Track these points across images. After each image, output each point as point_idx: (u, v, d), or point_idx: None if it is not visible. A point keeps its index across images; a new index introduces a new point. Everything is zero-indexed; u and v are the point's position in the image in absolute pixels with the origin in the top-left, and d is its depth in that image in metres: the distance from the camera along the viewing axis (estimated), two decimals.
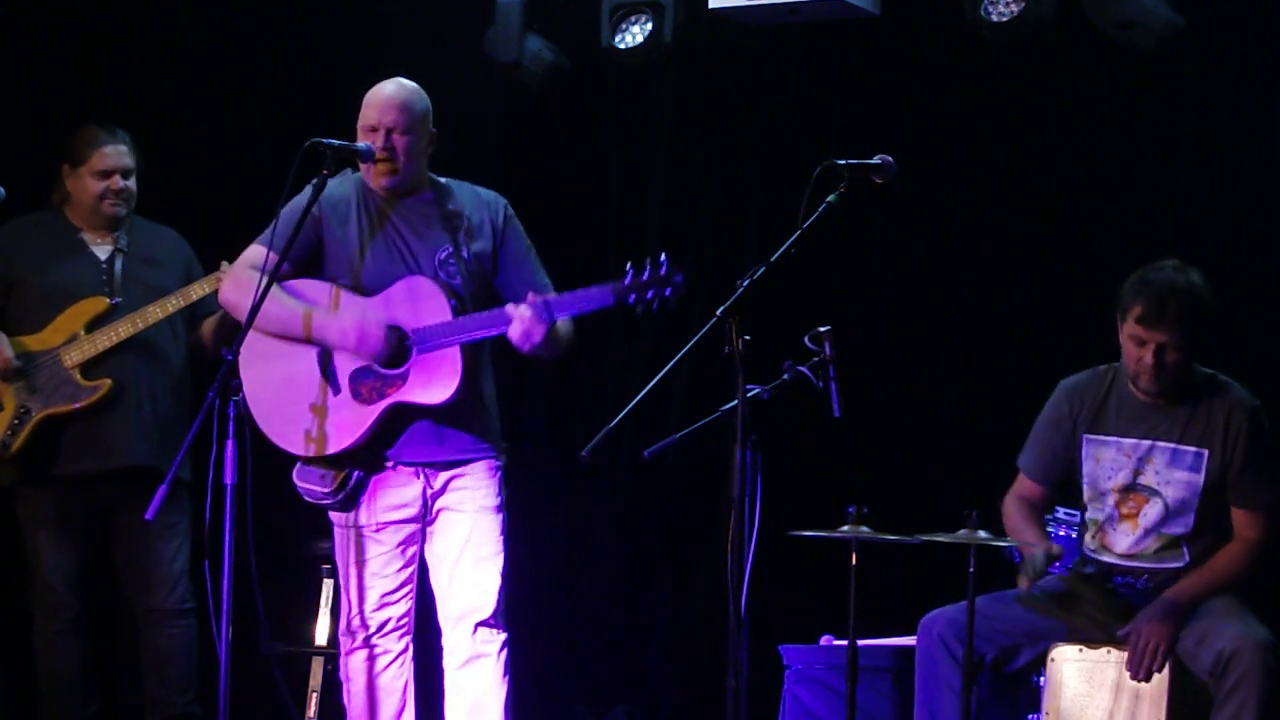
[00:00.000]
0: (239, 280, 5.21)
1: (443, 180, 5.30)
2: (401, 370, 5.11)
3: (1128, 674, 4.97)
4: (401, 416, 5.15)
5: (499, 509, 5.25)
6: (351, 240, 5.21)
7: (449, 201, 5.23)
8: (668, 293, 4.92)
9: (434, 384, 5.08)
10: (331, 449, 5.14)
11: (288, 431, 5.16)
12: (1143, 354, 5.05)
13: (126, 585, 6.09)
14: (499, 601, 5.22)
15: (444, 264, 5.16)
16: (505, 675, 5.24)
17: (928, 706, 5.13)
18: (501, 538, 5.25)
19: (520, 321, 4.99)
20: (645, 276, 4.93)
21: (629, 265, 4.96)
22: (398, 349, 5.11)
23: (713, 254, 6.79)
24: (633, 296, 4.94)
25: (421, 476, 5.21)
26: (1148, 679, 4.95)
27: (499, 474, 5.27)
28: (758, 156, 6.78)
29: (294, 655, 6.40)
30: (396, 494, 5.23)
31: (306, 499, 5.22)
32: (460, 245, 5.17)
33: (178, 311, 5.96)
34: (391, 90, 5.20)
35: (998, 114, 6.45)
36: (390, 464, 5.21)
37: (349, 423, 5.13)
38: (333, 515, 5.28)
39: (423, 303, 5.09)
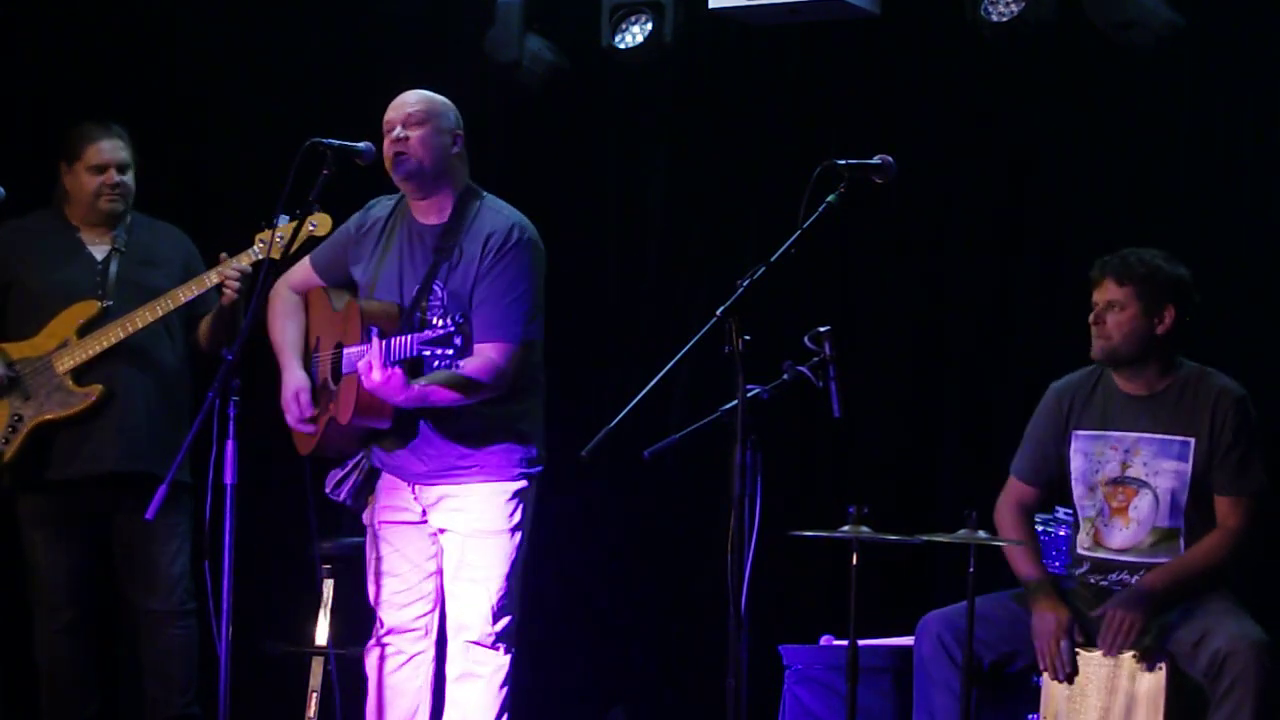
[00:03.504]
0: (274, 299, 5.39)
1: (480, 200, 5.21)
2: (335, 389, 5.19)
3: (1110, 662, 4.99)
4: (359, 433, 5.21)
5: (505, 533, 5.18)
6: (366, 259, 5.25)
7: (459, 228, 5.15)
8: (449, 351, 4.82)
9: (341, 404, 5.14)
10: (302, 451, 5.32)
11: (296, 431, 5.34)
12: (1091, 318, 5.10)
13: (126, 587, 6.08)
14: (493, 624, 5.16)
15: (417, 295, 5.13)
16: (499, 698, 5.17)
17: (926, 708, 5.13)
18: (502, 561, 5.17)
19: (361, 362, 4.95)
20: (431, 334, 4.84)
21: (432, 319, 4.90)
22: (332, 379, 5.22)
23: (713, 254, 6.79)
24: (420, 350, 4.86)
25: (407, 487, 5.23)
26: (1117, 653, 4.96)
27: (512, 497, 5.19)
28: (758, 156, 6.78)
29: (294, 655, 6.40)
30: (395, 497, 5.26)
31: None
32: (435, 279, 5.12)
33: (174, 313, 5.93)
34: (409, 93, 5.22)
35: (998, 114, 6.45)
36: (382, 471, 5.27)
37: (311, 428, 5.28)
38: (364, 516, 5.36)
39: (350, 325, 5.15)
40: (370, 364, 4.89)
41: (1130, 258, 5.13)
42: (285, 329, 5.34)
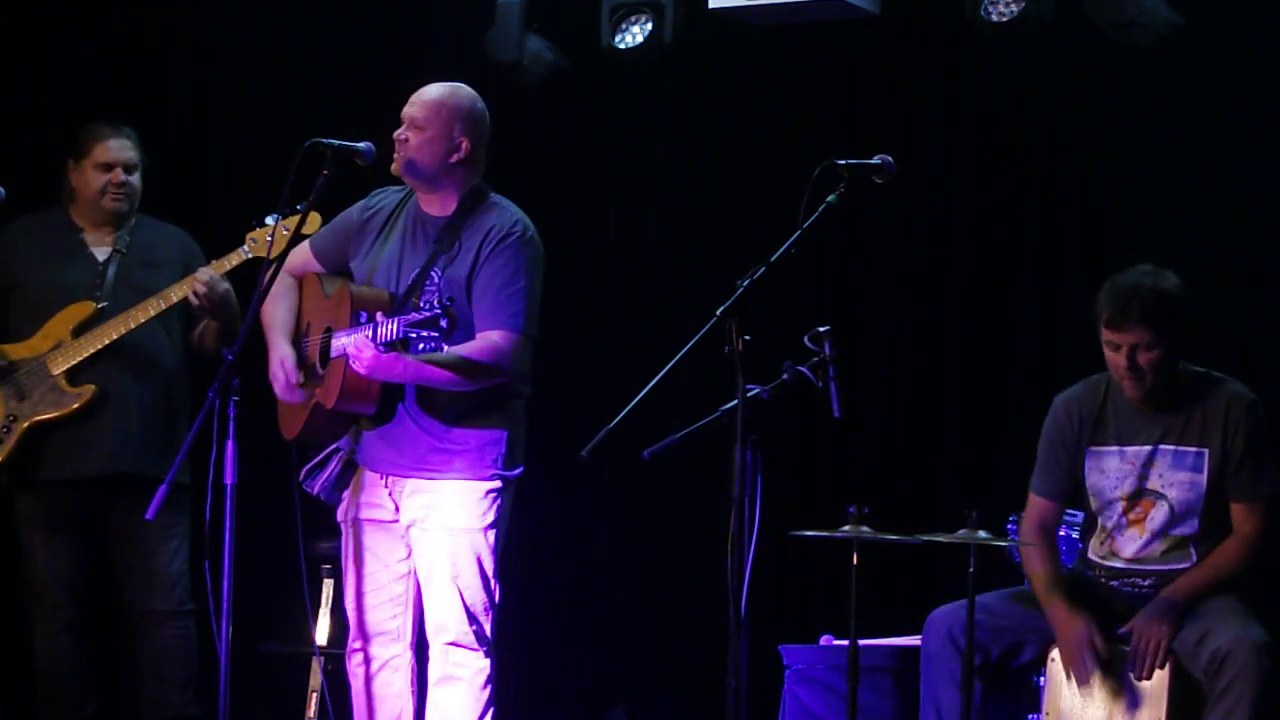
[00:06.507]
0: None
1: (487, 198, 5.21)
2: (322, 374, 5.15)
3: (1130, 674, 4.97)
4: (343, 418, 5.18)
5: (479, 530, 5.11)
6: (366, 248, 5.23)
7: (463, 223, 5.14)
8: (435, 334, 4.77)
9: (328, 390, 5.10)
10: (286, 436, 5.28)
11: (281, 415, 5.30)
12: (1118, 359, 5.06)
13: (125, 587, 6.07)
14: (471, 624, 5.09)
15: (413, 282, 5.12)
16: (482, 700, 5.10)
17: (934, 702, 5.12)
18: (478, 560, 5.10)
19: (350, 345, 4.95)
20: (418, 316, 4.80)
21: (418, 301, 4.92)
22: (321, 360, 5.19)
23: (713, 254, 6.79)
24: (406, 333, 4.80)
25: (384, 481, 5.19)
26: (1150, 677, 4.96)
27: (487, 495, 5.12)
28: (758, 156, 6.78)
29: (294, 655, 6.40)
30: (372, 493, 5.21)
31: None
32: (434, 267, 5.11)
33: (173, 313, 5.93)
34: (431, 86, 5.18)
35: (998, 114, 6.45)
36: (360, 466, 5.22)
37: (295, 414, 5.23)
38: (338, 514, 5.29)
39: (341, 310, 5.12)
40: (359, 347, 4.89)
41: (1146, 295, 5.00)
42: (275, 310, 5.25)
